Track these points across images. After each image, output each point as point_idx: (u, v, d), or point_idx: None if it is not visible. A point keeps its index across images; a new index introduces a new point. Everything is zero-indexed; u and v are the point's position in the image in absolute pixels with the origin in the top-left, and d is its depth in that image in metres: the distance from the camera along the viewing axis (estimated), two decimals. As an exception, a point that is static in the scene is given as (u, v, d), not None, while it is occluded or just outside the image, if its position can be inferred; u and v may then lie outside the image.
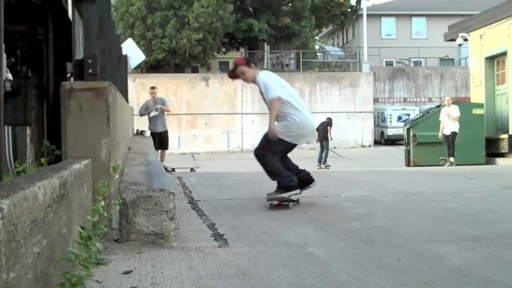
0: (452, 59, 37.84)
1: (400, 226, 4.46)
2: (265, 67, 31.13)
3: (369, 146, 29.84)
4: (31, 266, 1.75)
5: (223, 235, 4.05)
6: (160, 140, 12.58)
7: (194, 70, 32.62)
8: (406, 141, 16.40)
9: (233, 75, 5.63)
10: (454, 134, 14.80)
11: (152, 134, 12.65)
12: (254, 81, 5.40)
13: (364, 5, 34.26)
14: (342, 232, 4.16)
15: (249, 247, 3.65)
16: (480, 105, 16.45)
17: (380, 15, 40.77)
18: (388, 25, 41.15)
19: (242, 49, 35.97)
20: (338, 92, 29.91)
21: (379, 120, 31.14)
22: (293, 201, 5.33)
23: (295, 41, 37.34)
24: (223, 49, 33.76)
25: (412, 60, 37.82)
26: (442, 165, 14.39)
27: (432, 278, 2.89)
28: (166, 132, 12.98)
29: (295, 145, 5.49)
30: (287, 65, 33.98)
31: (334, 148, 26.16)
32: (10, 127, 6.87)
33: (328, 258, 3.35)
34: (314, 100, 29.08)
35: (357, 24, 38.27)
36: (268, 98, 5.25)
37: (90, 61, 3.93)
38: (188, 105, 28.61)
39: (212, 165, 20.05)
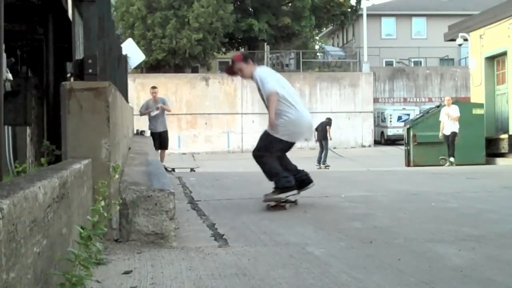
0: (452, 59, 37.85)
1: (400, 226, 4.46)
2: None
3: (369, 146, 29.85)
4: (31, 266, 1.75)
5: (223, 235, 4.05)
6: (160, 140, 12.59)
7: (194, 70, 32.62)
8: (406, 141, 16.41)
9: (231, 71, 5.63)
10: (454, 134, 14.81)
11: (152, 134, 12.66)
12: (251, 77, 5.40)
13: (364, 5, 34.28)
14: (342, 232, 4.16)
15: (249, 247, 3.65)
16: (480, 105, 16.45)
17: (380, 15, 40.78)
18: (388, 25, 41.16)
19: (242, 49, 35.96)
20: (338, 92, 29.92)
21: (379, 120, 31.14)
22: (291, 202, 5.31)
23: (295, 41, 37.35)
24: (223, 49, 33.78)
25: (412, 60, 37.83)
26: (442, 165, 14.40)
27: (432, 278, 2.89)
28: (166, 132, 12.98)
29: (293, 143, 5.46)
30: (287, 65, 33.97)
31: (334, 148, 26.17)
32: (10, 127, 6.88)
33: (328, 258, 3.35)
34: (314, 100, 29.10)
35: (357, 24, 38.28)
36: (265, 93, 5.23)
37: (90, 61, 3.93)
38: (188, 105, 28.62)
39: (212, 165, 20.06)
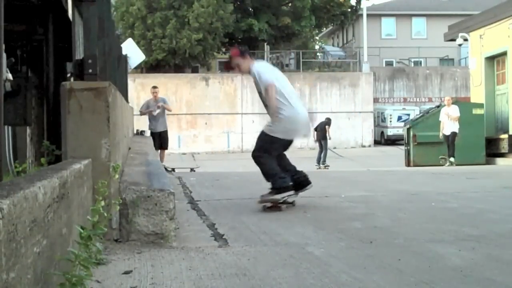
0: (452, 59, 37.85)
1: (400, 226, 4.46)
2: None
3: (369, 146, 29.84)
4: (31, 266, 1.75)
5: (223, 235, 4.05)
6: (160, 140, 12.59)
7: (194, 70, 32.62)
8: (406, 141, 16.41)
9: (229, 66, 5.62)
10: (454, 134, 14.81)
11: (152, 134, 12.66)
12: (249, 72, 5.38)
13: (364, 5, 34.27)
14: (342, 232, 4.16)
15: (249, 247, 3.65)
16: (480, 105, 16.45)
17: (380, 15, 40.77)
18: (388, 25, 41.15)
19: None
20: (338, 92, 29.92)
21: (379, 120, 31.14)
22: (289, 203, 5.28)
23: (295, 41, 37.35)
24: (223, 49, 33.76)
25: (412, 60, 37.83)
26: (442, 165, 14.40)
27: (432, 278, 2.89)
28: (166, 132, 12.98)
29: (291, 141, 5.42)
30: (287, 65, 33.97)
31: (334, 148, 26.18)
32: (10, 127, 6.87)
33: (328, 258, 3.35)
34: (314, 100, 29.09)
35: (357, 24, 38.28)
36: (263, 84, 5.20)
37: (90, 61, 3.93)
38: (188, 105, 28.61)
39: (212, 165, 20.06)
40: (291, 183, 5.21)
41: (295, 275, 2.96)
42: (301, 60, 32.69)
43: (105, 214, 2.96)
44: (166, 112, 13.03)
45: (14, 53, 6.27)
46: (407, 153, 16.21)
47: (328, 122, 19.80)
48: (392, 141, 29.38)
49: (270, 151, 5.26)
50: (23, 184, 1.85)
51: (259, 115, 26.59)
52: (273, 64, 34.09)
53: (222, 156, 26.45)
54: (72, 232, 2.52)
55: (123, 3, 30.10)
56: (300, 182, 5.38)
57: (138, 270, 3.02)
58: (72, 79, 4.79)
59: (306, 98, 27.95)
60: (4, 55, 3.63)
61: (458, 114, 14.87)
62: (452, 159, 14.62)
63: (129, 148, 6.99)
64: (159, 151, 11.91)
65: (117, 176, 3.58)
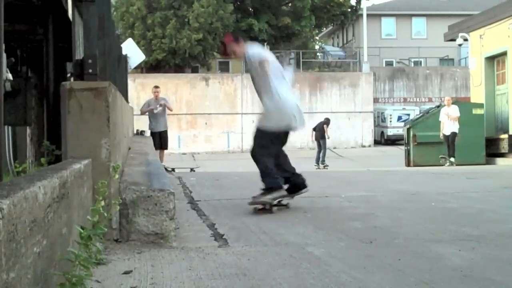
0: (452, 59, 37.86)
1: (400, 226, 4.46)
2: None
3: (369, 146, 29.85)
4: (31, 266, 1.75)
5: (223, 235, 4.04)
6: (160, 140, 12.59)
7: (194, 70, 32.63)
8: (406, 141, 16.41)
9: (226, 53, 5.61)
10: (454, 134, 14.81)
11: (152, 133, 12.66)
12: (244, 56, 5.36)
13: (364, 5, 34.28)
14: (342, 232, 4.16)
15: (249, 247, 3.65)
16: (480, 105, 16.46)
17: (380, 15, 40.78)
18: (388, 25, 41.16)
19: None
20: (338, 92, 29.92)
21: (379, 120, 31.14)
22: (283, 205, 5.24)
23: (295, 41, 37.35)
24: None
25: (412, 60, 37.83)
26: (442, 164, 14.41)
27: (432, 278, 2.89)
28: (166, 132, 12.99)
29: (286, 133, 5.30)
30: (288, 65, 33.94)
31: (334, 148, 26.20)
32: (10, 127, 6.87)
33: (328, 258, 3.35)
34: (314, 100, 29.09)
35: (357, 24, 38.29)
36: (256, 59, 5.15)
37: (90, 61, 3.93)
38: (188, 105, 28.61)
39: (212, 165, 20.06)
40: (282, 184, 5.16)
41: (295, 275, 2.96)
42: (301, 60, 32.70)
43: (105, 214, 2.96)
44: (167, 112, 13.04)
45: (14, 53, 6.27)
46: (407, 153, 16.22)
47: (326, 121, 19.81)
48: (392, 141, 29.39)
49: (267, 146, 5.18)
50: (23, 184, 1.85)
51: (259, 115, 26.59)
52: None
53: (222, 156, 26.45)
54: (72, 232, 2.52)
55: (123, 3, 30.11)
56: (297, 185, 5.32)
57: (138, 270, 3.02)
58: (72, 79, 4.79)
59: (306, 98, 27.95)
60: (4, 55, 3.63)
61: (458, 114, 14.87)
62: (452, 159, 14.62)
63: (129, 148, 6.99)
64: (158, 151, 11.91)
65: (117, 176, 3.58)
